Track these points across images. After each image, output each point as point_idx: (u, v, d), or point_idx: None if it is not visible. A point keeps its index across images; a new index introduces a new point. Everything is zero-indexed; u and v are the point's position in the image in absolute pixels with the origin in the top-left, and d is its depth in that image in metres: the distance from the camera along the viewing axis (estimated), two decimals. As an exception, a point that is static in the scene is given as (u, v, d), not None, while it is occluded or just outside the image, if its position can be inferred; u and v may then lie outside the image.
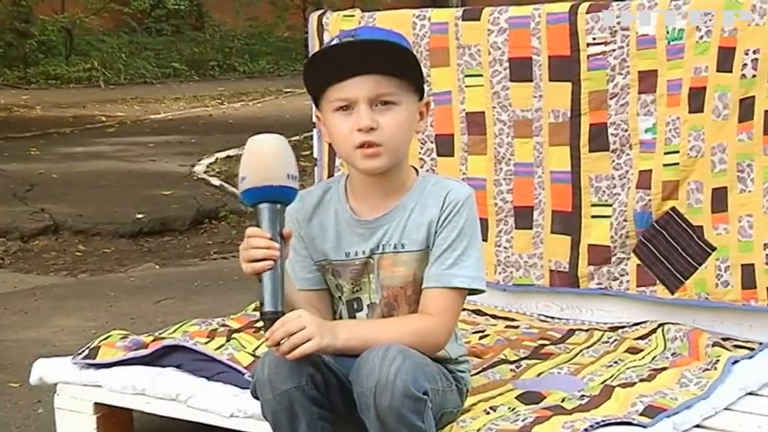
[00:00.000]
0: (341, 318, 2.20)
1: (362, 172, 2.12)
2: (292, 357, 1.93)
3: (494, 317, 3.16)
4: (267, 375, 1.99)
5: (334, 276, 2.18)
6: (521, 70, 3.12)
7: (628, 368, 2.59)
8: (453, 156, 3.25)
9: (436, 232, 2.11)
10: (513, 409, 2.28)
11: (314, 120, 2.20)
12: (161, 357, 2.65)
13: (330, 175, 3.38)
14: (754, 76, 2.79)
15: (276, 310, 1.91)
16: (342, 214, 2.17)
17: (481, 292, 2.15)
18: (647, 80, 2.95)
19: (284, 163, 1.95)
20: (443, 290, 2.10)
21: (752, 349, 2.72)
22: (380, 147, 2.06)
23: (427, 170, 3.20)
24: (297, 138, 8.52)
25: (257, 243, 1.92)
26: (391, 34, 2.14)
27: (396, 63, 2.05)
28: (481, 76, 3.18)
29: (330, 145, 2.53)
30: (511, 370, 2.62)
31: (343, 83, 2.05)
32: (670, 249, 2.94)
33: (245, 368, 2.51)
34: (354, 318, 2.19)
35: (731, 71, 2.82)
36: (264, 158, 1.94)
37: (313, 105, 2.19)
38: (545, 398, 2.36)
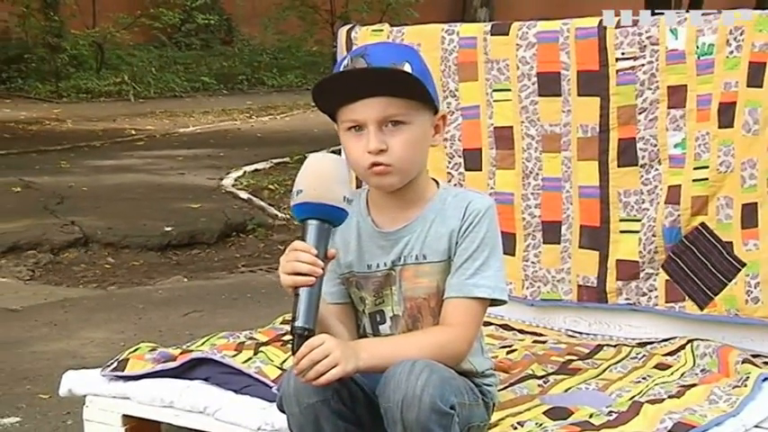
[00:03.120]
0: (364, 331, 2.20)
1: (376, 189, 2.14)
2: (318, 384, 1.93)
3: (521, 332, 3.15)
4: (293, 389, 1.99)
5: (358, 289, 2.19)
6: (549, 85, 3.11)
7: (656, 384, 2.58)
8: (481, 170, 3.24)
9: (457, 242, 2.11)
10: (541, 425, 2.27)
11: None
12: (189, 370, 2.66)
13: (357, 187, 3.38)
14: (784, 91, 2.77)
15: (308, 326, 1.91)
16: (364, 227, 2.18)
17: (503, 302, 2.15)
18: (677, 95, 2.94)
19: (343, 184, 1.97)
20: (464, 300, 2.09)
21: (782, 366, 2.70)
22: (390, 167, 2.07)
23: (455, 184, 3.20)
24: (324, 152, 8.54)
25: (303, 257, 1.92)
26: (401, 52, 2.13)
27: (403, 87, 2.04)
28: (509, 90, 3.18)
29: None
30: (538, 385, 2.61)
31: (352, 104, 2.06)
32: (699, 265, 2.92)
33: (273, 381, 2.52)
34: (378, 330, 2.19)
35: (761, 86, 2.80)
36: (324, 176, 1.96)
37: None
38: (573, 413, 2.34)
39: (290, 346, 2.42)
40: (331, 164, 1.99)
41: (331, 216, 1.96)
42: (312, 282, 1.92)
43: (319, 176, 1.96)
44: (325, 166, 1.98)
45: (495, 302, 2.14)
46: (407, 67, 2.05)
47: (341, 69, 2.09)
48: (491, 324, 3.16)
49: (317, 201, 1.94)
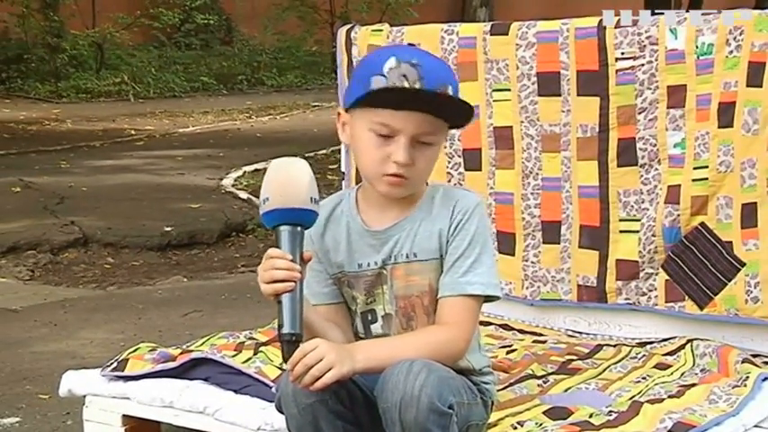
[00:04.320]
0: (356, 331, 2.21)
1: (382, 194, 2.13)
2: (315, 389, 1.93)
3: (521, 332, 3.15)
4: (291, 389, 1.99)
5: (349, 288, 2.19)
6: (549, 85, 3.11)
7: (656, 384, 2.58)
8: (481, 170, 3.25)
9: (448, 241, 2.12)
10: (541, 425, 2.27)
11: (336, 114, 2.17)
12: (189, 370, 2.67)
13: (357, 183, 3.38)
14: (784, 90, 2.77)
15: (294, 332, 1.91)
16: (353, 226, 2.18)
17: (496, 298, 2.15)
18: (677, 95, 2.94)
19: (308, 186, 1.95)
20: (458, 298, 2.10)
21: (782, 366, 2.70)
22: (409, 180, 2.08)
23: (454, 184, 3.21)
24: (324, 151, 8.54)
25: (279, 264, 1.91)
26: (448, 71, 2.12)
27: (450, 112, 2.06)
28: (509, 90, 3.18)
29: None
30: (538, 385, 2.61)
31: (394, 111, 2.03)
32: (699, 265, 2.92)
33: (273, 381, 2.52)
34: (369, 330, 2.19)
35: (761, 86, 2.80)
36: (288, 181, 1.95)
37: (340, 101, 2.15)
38: (572, 413, 2.34)
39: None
40: (294, 168, 1.97)
41: (301, 219, 1.95)
42: (292, 287, 1.91)
43: (283, 182, 1.95)
44: (289, 170, 1.97)
45: (489, 299, 2.14)
46: (450, 90, 2.06)
47: (384, 70, 2.02)
48: (491, 324, 3.16)
49: (285, 206, 1.93)
